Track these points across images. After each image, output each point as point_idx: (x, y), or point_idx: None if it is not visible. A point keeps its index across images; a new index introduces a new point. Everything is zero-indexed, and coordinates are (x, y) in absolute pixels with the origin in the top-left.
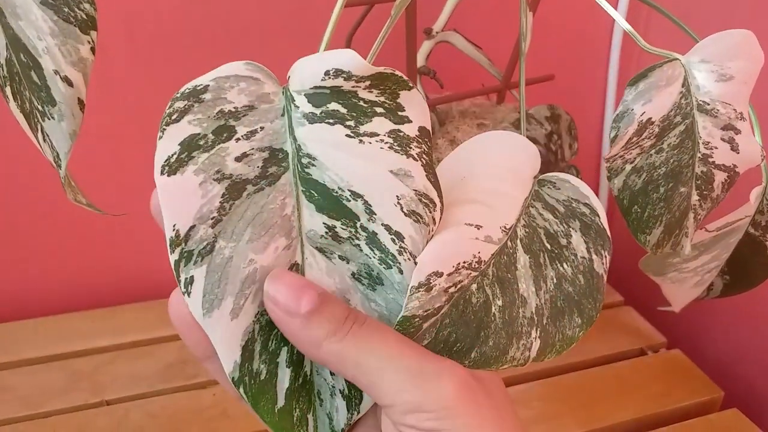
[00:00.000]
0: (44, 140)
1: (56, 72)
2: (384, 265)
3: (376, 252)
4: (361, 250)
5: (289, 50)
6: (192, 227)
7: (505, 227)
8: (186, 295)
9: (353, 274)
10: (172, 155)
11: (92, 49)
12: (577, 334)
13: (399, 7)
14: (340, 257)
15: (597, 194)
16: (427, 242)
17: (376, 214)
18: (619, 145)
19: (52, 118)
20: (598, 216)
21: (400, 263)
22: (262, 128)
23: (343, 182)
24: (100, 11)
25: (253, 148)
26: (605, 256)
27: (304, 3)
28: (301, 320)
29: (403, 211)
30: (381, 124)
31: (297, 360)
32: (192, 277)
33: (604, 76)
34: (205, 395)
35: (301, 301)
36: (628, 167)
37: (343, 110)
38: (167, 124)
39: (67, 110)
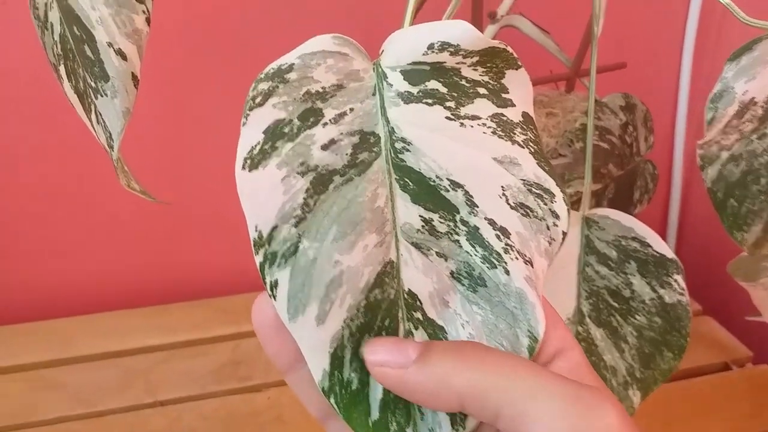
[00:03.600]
0: (98, 122)
1: (110, 45)
2: (487, 264)
3: (478, 249)
4: (461, 247)
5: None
6: (275, 227)
7: (568, 320)
8: (273, 298)
9: (452, 273)
10: (256, 145)
11: (147, 20)
12: (672, 365)
13: None
14: (437, 254)
15: (669, 194)
16: (551, 240)
17: (478, 207)
18: (716, 128)
19: (105, 94)
20: (650, 245)
21: (506, 263)
22: (351, 110)
23: (442, 170)
24: None
25: (341, 133)
26: (675, 280)
27: None
28: (416, 365)
29: (508, 204)
30: (483, 107)
31: None
32: (276, 280)
33: (677, 67)
34: (259, 398)
35: (407, 350)
36: (725, 155)
37: (444, 89)
38: (251, 109)
39: (120, 86)
